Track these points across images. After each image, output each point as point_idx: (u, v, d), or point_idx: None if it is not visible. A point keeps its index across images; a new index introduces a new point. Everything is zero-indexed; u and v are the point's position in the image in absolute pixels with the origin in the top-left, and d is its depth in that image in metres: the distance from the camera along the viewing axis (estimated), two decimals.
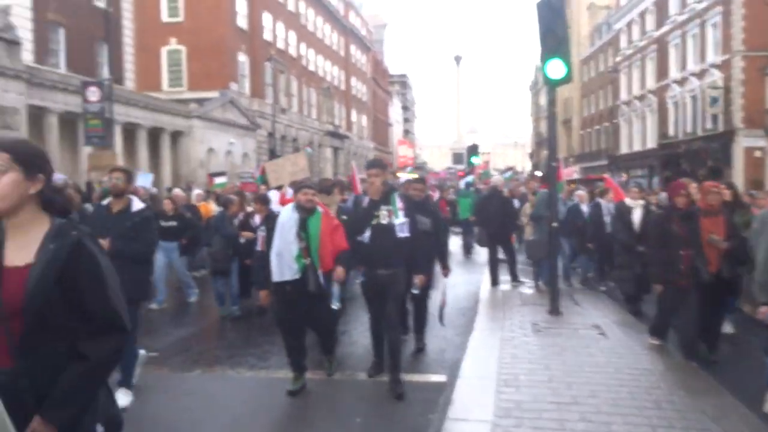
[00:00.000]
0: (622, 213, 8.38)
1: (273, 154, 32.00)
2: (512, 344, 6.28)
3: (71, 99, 19.99)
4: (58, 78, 20.37)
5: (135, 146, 25.19)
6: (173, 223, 9.16)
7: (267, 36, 39.09)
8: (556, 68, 7.44)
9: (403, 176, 34.04)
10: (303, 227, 5.17)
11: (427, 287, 6.39)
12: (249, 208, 8.95)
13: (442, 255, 7.04)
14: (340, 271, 5.26)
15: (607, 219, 9.66)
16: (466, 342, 6.56)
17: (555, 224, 7.93)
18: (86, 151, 19.58)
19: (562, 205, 9.68)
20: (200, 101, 30.53)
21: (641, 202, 8.48)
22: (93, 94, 18.65)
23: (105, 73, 26.71)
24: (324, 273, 5.22)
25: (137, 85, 31.47)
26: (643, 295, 8.05)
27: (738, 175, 29.57)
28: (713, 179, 30.59)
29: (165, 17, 34.49)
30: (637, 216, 8.20)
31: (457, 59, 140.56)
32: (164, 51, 34.62)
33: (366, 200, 5.52)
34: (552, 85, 7.83)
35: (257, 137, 35.80)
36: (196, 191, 13.65)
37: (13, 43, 18.09)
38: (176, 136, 28.39)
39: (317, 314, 5.32)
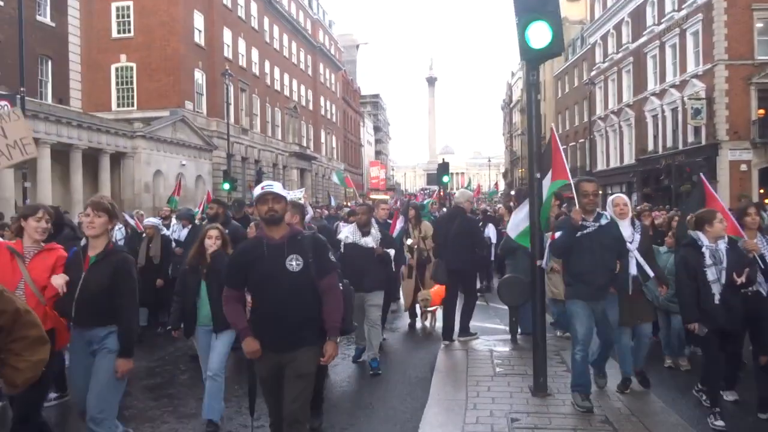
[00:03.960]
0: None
1: (228, 176, 29.60)
2: None
3: None
4: None
5: (69, 169, 22.65)
6: None
7: (227, 53, 36.84)
8: (539, 33, 5.16)
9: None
10: None
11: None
12: None
13: None
14: None
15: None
16: None
17: (540, 263, 5.60)
18: None
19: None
20: (150, 121, 28.10)
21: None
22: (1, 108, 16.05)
23: (48, 92, 24.37)
24: None
25: (85, 104, 29.09)
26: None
27: (724, 189, 27.88)
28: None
29: (115, 33, 32.11)
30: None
31: (431, 80, 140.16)
32: (113, 68, 32.15)
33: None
34: (533, 57, 5.43)
35: (213, 159, 33.30)
36: None
37: None
38: (119, 158, 25.84)
39: None
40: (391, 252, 7.03)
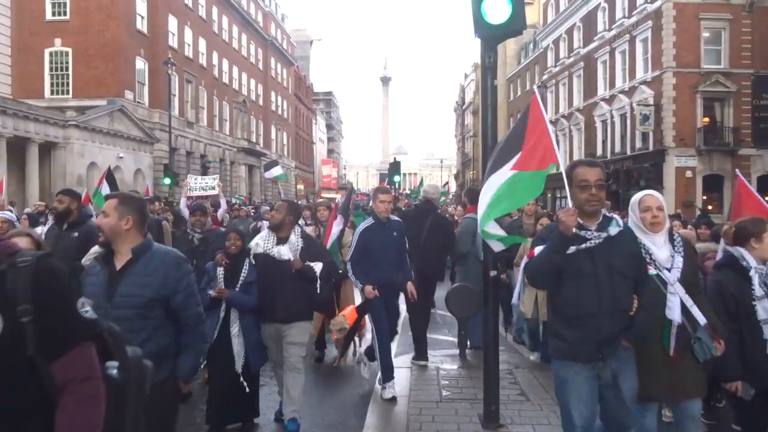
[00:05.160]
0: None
1: (168, 170, 28.23)
2: None
3: None
4: None
5: None
6: None
7: (172, 42, 35.27)
8: (496, 7, 4.46)
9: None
10: None
11: None
12: None
13: None
14: None
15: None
16: None
17: (494, 272, 4.92)
18: None
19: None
20: (86, 110, 26.49)
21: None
22: None
23: None
24: None
25: (15, 90, 27.45)
26: None
27: (669, 195, 28.25)
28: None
29: (49, 15, 30.23)
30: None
31: (385, 80, 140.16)
32: (47, 53, 30.27)
33: None
34: (490, 34, 4.68)
35: (155, 152, 31.76)
36: None
37: None
38: (49, 148, 24.22)
39: None
40: (317, 267, 4.90)
